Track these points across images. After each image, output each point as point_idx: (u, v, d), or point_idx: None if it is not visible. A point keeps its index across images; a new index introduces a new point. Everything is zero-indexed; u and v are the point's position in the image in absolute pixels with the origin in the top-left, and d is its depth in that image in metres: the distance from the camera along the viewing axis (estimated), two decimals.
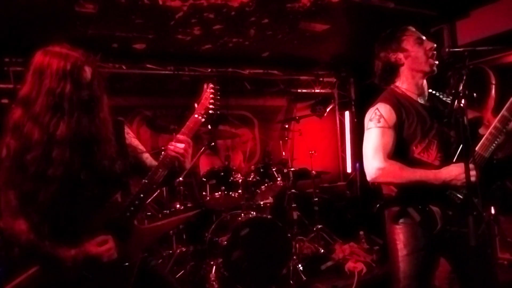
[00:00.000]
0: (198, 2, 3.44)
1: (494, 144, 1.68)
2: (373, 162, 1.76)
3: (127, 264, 1.56)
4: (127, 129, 1.77)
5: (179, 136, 1.69)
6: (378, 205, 1.87)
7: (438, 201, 1.71)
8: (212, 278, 3.35)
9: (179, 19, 3.76)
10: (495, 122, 1.70)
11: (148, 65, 4.93)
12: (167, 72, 5.04)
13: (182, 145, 1.66)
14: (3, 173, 1.50)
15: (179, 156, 1.66)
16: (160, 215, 4.19)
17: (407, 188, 1.75)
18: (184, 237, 4.00)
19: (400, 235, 1.78)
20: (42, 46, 1.62)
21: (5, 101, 4.29)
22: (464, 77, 1.61)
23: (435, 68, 1.88)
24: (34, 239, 1.47)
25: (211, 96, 1.76)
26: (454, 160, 1.73)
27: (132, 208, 1.60)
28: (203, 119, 1.75)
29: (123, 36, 4.09)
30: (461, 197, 1.69)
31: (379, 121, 1.79)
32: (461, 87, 1.58)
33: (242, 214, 3.64)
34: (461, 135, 1.58)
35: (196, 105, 1.77)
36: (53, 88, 1.46)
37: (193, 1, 3.41)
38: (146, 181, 1.63)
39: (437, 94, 1.99)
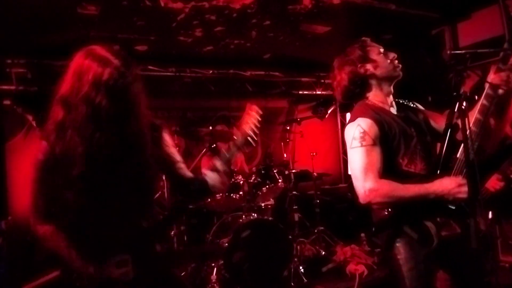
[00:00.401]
0: (200, 4, 3.45)
1: (473, 149, 1.66)
2: (365, 184, 1.69)
3: None
4: (164, 135, 1.68)
5: (215, 164, 1.62)
6: (374, 229, 1.85)
7: (431, 213, 1.70)
8: (213, 280, 3.35)
9: (180, 21, 3.76)
10: (475, 115, 1.69)
11: (150, 67, 4.93)
12: (168, 74, 5.05)
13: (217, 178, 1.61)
14: (40, 175, 1.47)
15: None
16: (161, 216, 4.19)
17: (399, 206, 1.73)
18: (186, 238, 4.00)
19: (400, 249, 1.76)
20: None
21: (7, 102, 4.30)
22: (465, 79, 1.61)
23: (400, 72, 1.87)
24: (56, 246, 1.48)
25: (253, 123, 1.61)
26: (439, 169, 1.71)
27: (155, 233, 1.61)
28: (240, 149, 1.62)
29: (125, 38, 4.11)
30: (454, 206, 1.68)
31: (364, 139, 1.71)
32: (462, 89, 1.58)
33: (243, 216, 3.64)
34: (465, 138, 1.57)
35: (235, 130, 1.64)
36: (91, 98, 1.39)
37: (195, 3, 3.42)
38: (173, 210, 1.66)
39: (403, 102, 1.97)
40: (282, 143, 4.73)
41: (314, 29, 4.26)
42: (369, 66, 1.84)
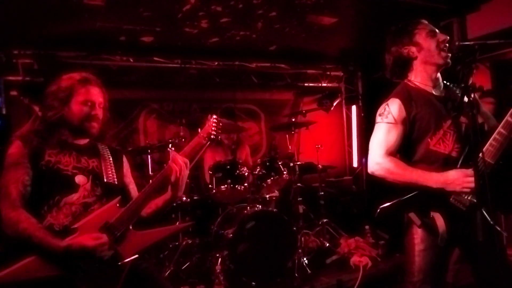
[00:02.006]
0: None
1: (500, 151, 1.65)
2: (374, 156, 1.83)
3: (118, 263, 1.65)
4: (125, 158, 2.03)
5: (176, 155, 1.80)
6: (378, 211, 1.88)
7: (440, 208, 1.71)
8: (218, 270, 3.37)
9: (186, 12, 3.75)
10: (499, 128, 1.67)
11: (156, 58, 4.94)
12: (174, 65, 5.05)
13: (180, 160, 1.77)
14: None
15: (172, 173, 1.74)
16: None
17: (411, 191, 1.75)
18: (190, 229, 4.03)
19: (418, 229, 1.79)
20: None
21: (14, 93, 4.33)
22: (474, 71, 1.59)
23: (449, 60, 1.87)
24: (30, 227, 1.54)
25: (214, 125, 1.91)
26: (461, 158, 1.72)
27: (129, 214, 1.70)
28: (205, 142, 1.90)
29: (130, 29, 4.10)
30: (464, 207, 1.68)
31: (386, 117, 1.82)
32: (470, 81, 1.56)
33: (248, 207, 3.66)
34: (471, 129, 1.57)
35: (199, 130, 1.94)
36: None
37: None
38: (145, 190, 1.75)
39: (451, 85, 1.97)
40: (287, 135, 4.72)
41: (321, 21, 4.22)
42: (413, 49, 1.87)
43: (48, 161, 1.69)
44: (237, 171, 3.79)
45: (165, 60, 4.99)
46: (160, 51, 4.87)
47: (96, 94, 1.83)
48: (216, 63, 5.29)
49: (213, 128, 1.90)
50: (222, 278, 3.34)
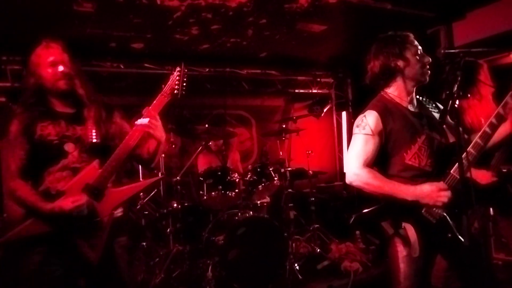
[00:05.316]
0: (196, 2, 3.45)
1: (471, 165, 1.68)
2: (352, 167, 1.86)
3: (98, 219, 1.85)
4: (116, 114, 2.18)
5: (144, 113, 1.98)
6: (353, 218, 1.92)
7: (412, 219, 1.75)
8: (209, 277, 3.36)
9: (177, 19, 3.77)
10: (476, 139, 1.72)
11: (146, 65, 4.93)
12: (164, 71, 5.04)
13: (146, 120, 1.95)
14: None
15: (145, 129, 1.93)
16: (157, 214, 4.20)
17: (386, 201, 1.80)
18: (181, 236, 4.01)
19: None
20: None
21: (2, 99, 4.28)
22: (459, 78, 1.62)
23: (427, 77, 1.94)
24: (24, 194, 1.81)
25: (177, 78, 2.03)
26: (434, 173, 1.78)
27: (106, 174, 1.86)
28: (168, 98, 2.05)
29: (121, 36, 4.10)
30: (434, 220, 1.73)
31: (364, 128, 1.86)
32: (455, 88, 1.60)
33: (239, 214, 3.65)
34: (456, 135, 1.60)
35: (163, 86, 2.05)
36: None
37: (191, 1, 3.43)
38: (118, 150, 1.90)
39: (423, 100, 2.04)
40: (278, 141, 4.74)
41: (310, 28, 4.28)
42: (400, 63, 1.91)
43: (40, 135, 1.87)
44: (228, 177, 3.79)
45: (156, 67, 4.98)
46: (150, 57, 4.87)
47: (55, 54, 1.99)
48: (207, 70, 5.31)
49: (176, 83, 2.00)
50: (213, 285, 3.33)
